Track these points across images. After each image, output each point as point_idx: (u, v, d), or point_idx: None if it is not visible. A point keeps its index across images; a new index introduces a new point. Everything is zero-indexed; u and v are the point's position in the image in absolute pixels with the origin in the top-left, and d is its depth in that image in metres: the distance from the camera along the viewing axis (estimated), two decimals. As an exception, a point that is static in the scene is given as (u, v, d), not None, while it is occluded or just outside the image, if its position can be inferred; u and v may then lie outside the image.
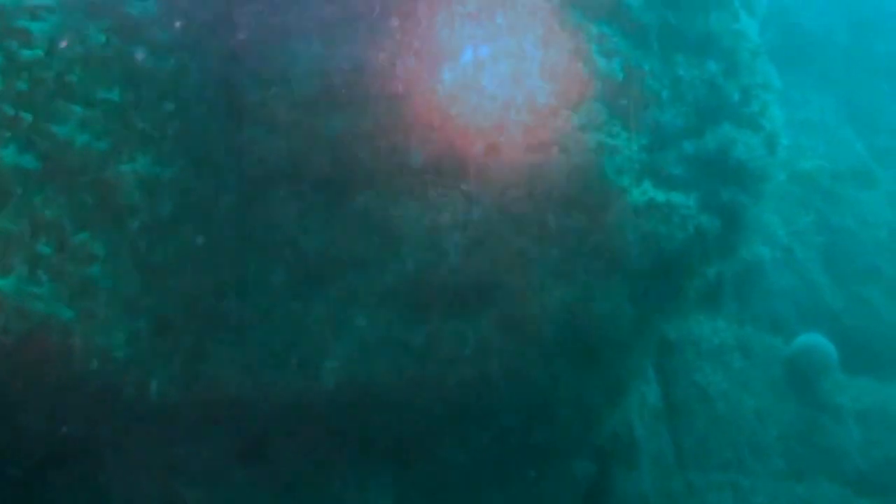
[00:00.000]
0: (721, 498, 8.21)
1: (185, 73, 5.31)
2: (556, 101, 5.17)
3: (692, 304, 5.96)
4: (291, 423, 5.69)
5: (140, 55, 5.26)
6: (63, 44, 5.04)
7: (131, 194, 5.10)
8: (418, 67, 5.46)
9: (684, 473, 8.20)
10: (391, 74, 5.55)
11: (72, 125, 5.00)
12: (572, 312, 5.66)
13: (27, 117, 4.87)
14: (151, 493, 5.51)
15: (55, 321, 4.88)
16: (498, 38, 5.18)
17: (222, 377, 5.64)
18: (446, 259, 5.74)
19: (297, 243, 5.84)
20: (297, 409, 5.66)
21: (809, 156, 10.75)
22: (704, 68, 5.74)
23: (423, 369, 5.78)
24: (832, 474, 9.01)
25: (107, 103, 5.12)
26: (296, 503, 5.74)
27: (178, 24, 5.45)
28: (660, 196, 5.42)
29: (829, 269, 10.29)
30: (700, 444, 8.43)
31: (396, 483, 5.89)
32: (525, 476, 6.96)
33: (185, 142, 5.44)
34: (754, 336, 9.24)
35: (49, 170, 4.90)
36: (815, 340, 9.30)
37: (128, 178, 5.13)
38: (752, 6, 6.32)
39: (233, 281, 5.77)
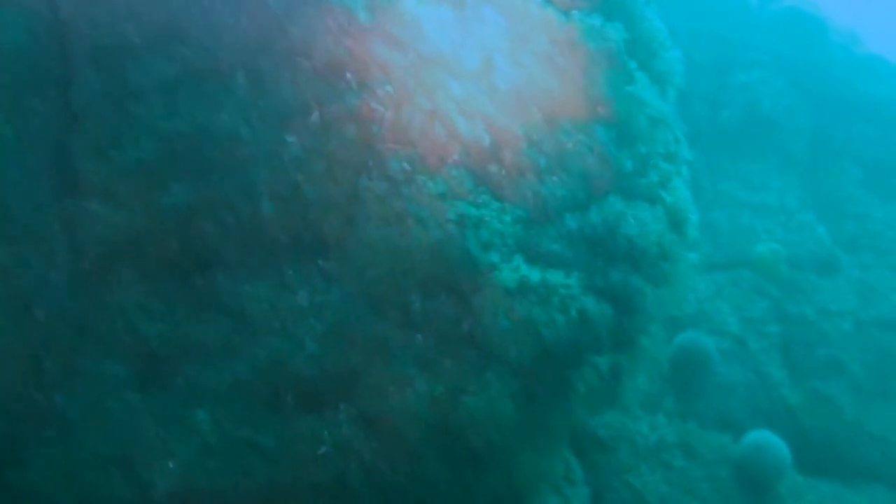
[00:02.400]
0: None
1: (-1, 137, 4.74)
2: (409, 166, 4.57)
3: (584, 400, 5.22)
4: (115, 539, 4.94)
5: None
6: None
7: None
8: (265, 129, 4.89)
9: (615, 590, 7.33)
10: (237, 137, 4.98)
11: None
12: (440, 408, 4.95)
13: None
14: None
15: None
16: (345, 96, 4.61)
17: (38, 484, 4.93)
18: (302, 347, 5.07)
19: (138, 329, 5.18)
20: (123, 520, 4.91)
21: (765, 239, 10.11)
22: (592, 135, 5.14)
23: (274, 473, 5.05)
24: (788, 591, 8.10)
25: None
26: None
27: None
28: (534, 275, 4.76)
29: (786, 362, 9.54)
30: (635, 557, 7.57)
31: None
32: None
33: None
34: (698, 433, 8.44)
35: None
36: (767, 438, 8.49)
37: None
38: (659, 71, 5.76)
39: (59, 371, 5.11)
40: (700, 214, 9.65)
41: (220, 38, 4.83)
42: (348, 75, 4.63)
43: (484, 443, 5.14)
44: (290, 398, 5.05)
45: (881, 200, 11.74)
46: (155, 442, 4.99)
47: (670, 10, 7.42)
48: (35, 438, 5.00)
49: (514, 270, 4.73)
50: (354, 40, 4.73)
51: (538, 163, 4.93)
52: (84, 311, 5.16)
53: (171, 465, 4.95)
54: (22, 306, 4.97)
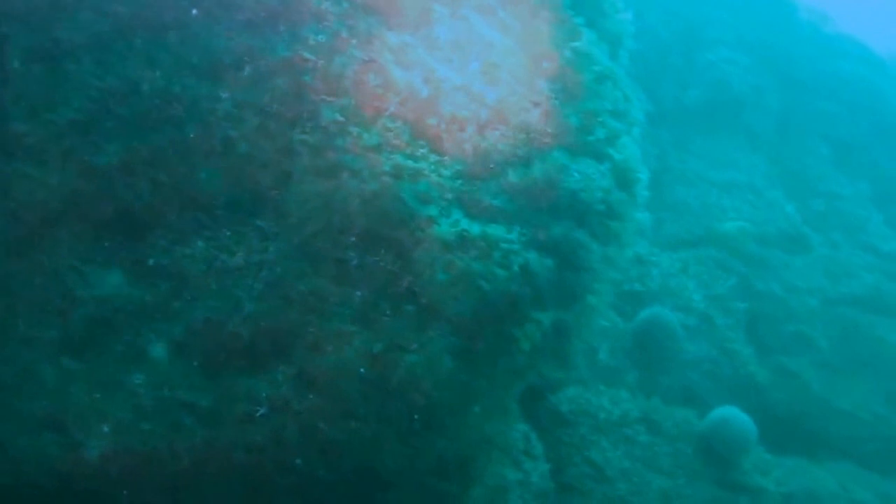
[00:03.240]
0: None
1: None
2: (342, 117, 4.46)
3: (530, 358, 5.13)
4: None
5: None
6: None
7: None
8: (197, 84, 4.78)
9: (575, 564, 7.23)
10: (170, 94, 4.87)
11: None
12: (379, 365, 4.84)
13: None
14: None
15: None
16: (277, 48, 4.51)
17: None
18: (239, 307, 4.96)
19: (74, 293, 5.06)
20: (55, 483, 4.79)
21: (732, 217, 10.04)
22: (535, 88, 5.05)
23: (210, 434, 4.94)
24: (752, 566, 8.01)
25: None
26: None
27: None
28: (475, 229, 4.66)
29: (753, 338, 9.47)
30: (596, 531, 7.47)
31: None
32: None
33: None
34: (662, 409, 8.35)
35: None
36: (733, 414, 8.41)
37: None
38: (609, 31, 5.68)
39: (-9, 335, 4.98)
40: (667, 192, 9.59)
41: (151, -9, 4.72)
42: (281, 27, 4.53)
43: (425, 401, 5.04)
44: (227, 359, 4.94)
45: (849, 178, 11.71)
46: (89, 406, 4.87)
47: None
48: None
49: (454, 224, 4.64)
50: (287, -10, 4.64)
51: (479, 116, 4.84)
52: (18, 275, 5.03)
53: (105, 428, 4.83)
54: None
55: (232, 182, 4.89)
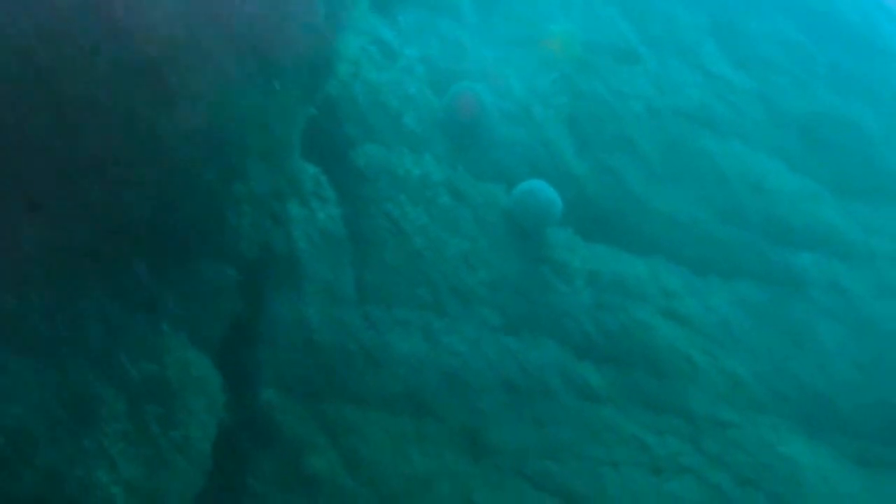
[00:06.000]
0: (407, 335, 7.04)
1: None
2: None
3: None
4: None
5: None
6: None
7: None
8: None
9: (363, 307, 7.02)
10: None
11: None
12: None
13: None
14: None
15: None
16: None
17: None
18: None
19: None
20: None
21: (558, 20, 9.88)
22: None
23: None
24: (552, 333, 7.96)
25: None
26: None
27: None
28: None
29: (573, 132, 9.38)
30: (388, 279, 7.27)
31: None
32: (134, 274, 5.69)
33: None
34: (469, 179, 8.19)
35: None
36: (540, 186, 8.30)
37: None
38: None
39: None
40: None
41: None
42: None
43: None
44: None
45: (689, 10, 11.68)
46: None
47: None
48: None
49: None
50: None
51: None
52: None
53: None
54: None
55: None
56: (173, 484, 5.52)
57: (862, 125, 11.73)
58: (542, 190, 8.17)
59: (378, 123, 7.73)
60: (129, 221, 5.56)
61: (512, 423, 7.14)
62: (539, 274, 8.08)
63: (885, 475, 8.66)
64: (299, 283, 6.70)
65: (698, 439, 7.86)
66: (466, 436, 6.87)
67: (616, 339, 8.21)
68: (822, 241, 10.38)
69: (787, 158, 10.93)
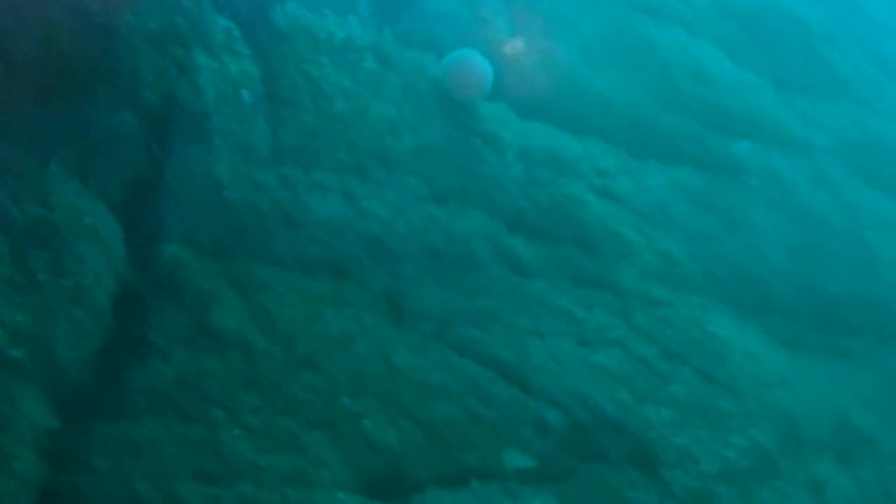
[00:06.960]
0: (326, 198, 6.72)
1: None
2: None
3: None
4: None
5: None
6: None
7: None
8: None
9: (279, 167, 6.67)
10: None
11: None
12: None
13: None
14: None
15: None
16: None
17: None
18: None
19: None
20: None
21: None
22: None
23: None
24: (480, 204, 7.69)
25: None
26: None
27: None
28: None
29: (511, 9, 8.99)
30: (306, 141, 6.92)
31: None
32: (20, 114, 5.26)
33: None
34: (396, 46, 7.81)
35: None
36: (473, 56, 7.95)
37: None
38: None
39: None
40: None
41: None
42: None
43: None
44: None
45: None
46: None
47: None
48: None
49: None
50: None
51: None
52: None
53: None
54: None
55: None
56: (67, 332, 5.20)
57: (808, 21, 11.52)
58: (474, 59, 7.82)
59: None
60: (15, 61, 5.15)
61: (436, 291, 6.90)
62: (469, 145, 7.78)
63: (811, 357, 8.63)
64: (208, 137, 6.33)
65: (628, 314, 7.70)
66: (387, 300, 6.62)
67: (548, 214, 7.97)
68: (761, 131, 10.21)
69: (729, 49, 10.70)
